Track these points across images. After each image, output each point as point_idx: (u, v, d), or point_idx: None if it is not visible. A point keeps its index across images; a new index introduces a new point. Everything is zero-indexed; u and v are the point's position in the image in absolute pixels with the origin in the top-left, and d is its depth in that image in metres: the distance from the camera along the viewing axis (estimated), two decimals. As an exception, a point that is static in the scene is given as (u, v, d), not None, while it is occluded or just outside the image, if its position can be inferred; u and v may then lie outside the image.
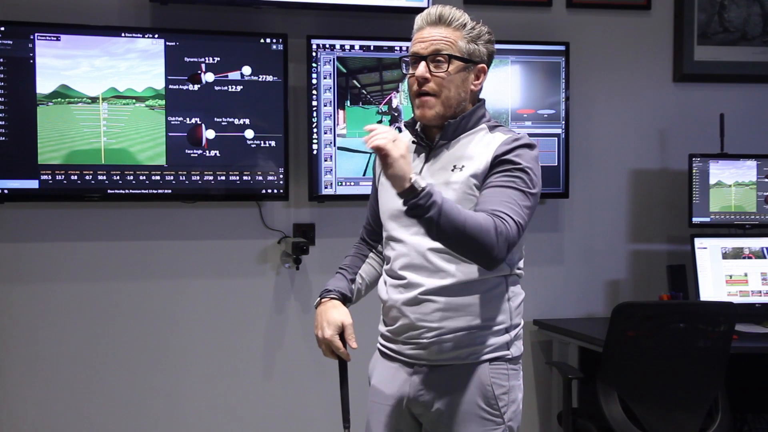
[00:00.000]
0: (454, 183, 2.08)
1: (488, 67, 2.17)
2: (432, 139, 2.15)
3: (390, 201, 2.15)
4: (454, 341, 2.10)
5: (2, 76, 3.23)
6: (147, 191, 3.35)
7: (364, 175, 3.52)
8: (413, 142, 2.18)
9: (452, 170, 2.09)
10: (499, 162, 2.05)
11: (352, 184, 3.52)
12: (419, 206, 1.87)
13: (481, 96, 2.20)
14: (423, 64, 2.08)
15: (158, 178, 3.36)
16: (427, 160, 2.15)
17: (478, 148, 2.10)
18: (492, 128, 2.14)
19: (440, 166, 2.12)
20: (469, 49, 2.10)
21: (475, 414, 2.11)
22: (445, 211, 1.89)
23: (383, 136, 1.88)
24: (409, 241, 2.12)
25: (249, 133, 3.43)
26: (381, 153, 1.87)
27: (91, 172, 3.30)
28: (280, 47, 3.44)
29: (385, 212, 2.21)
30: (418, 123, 2.17)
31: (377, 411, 2.23)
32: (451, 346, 2.10)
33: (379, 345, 2.26)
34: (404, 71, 2.17)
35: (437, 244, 2.02)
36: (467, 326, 2.09)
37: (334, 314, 2.17)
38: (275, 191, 3.46)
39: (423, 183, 1.88)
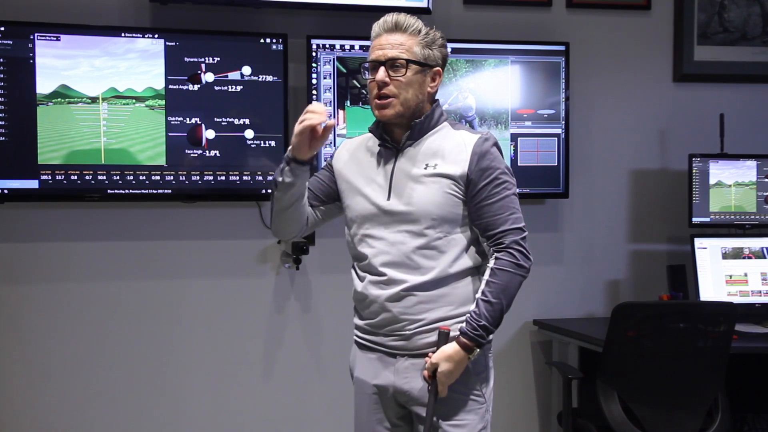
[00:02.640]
0: (427, 179, 2.21)
1: (443, 70, 2.30)
2: (397, 141, 2.26)
3: (364, 203, 2.26)
4: (434, 331, 2.20)
5: (2, 76, 3.23)
6: (147, 191, 3.35)
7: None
8: (379, 145, 2.29)
9: (425, 168, 2.22)
10: (481, 171, 2.20)
11: (352, 184, 3.52)
12: (484, 342, 2.18)
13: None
14: (382, 69, 2.21)
15: (158, 178, 3.36)
16: (396, 160, 2.25)
17: (445, 145, 2.23)
18: (453, 125, 2.29)
19: (411, 164, 2.24)
20: (425, 54, 2.22)
21: (460, 397, 2.22)
22: (495, 318, 2.16)
23: None
24: (390, 239, 2.21)
25: (249, 133, 3.43)
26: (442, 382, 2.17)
27: (91, 172, 3.30)
28: (280, 47, 3.44)
29: (360, 213, 2.27)
30: (380, 127, 2.28)
31: (364, 401, 2.30)
32: (432, 335, 2.20)
33: (356, 338, 2.34)
34: (364, 77, 2.28)
35: (419, 243, 2.19)
36: (446, 316, 2.21)
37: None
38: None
39: (470, 344, 2.15)
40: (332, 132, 2.23)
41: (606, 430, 3.03)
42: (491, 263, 2.20)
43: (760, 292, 3.73)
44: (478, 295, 2.18)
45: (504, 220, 2.19)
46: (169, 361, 3.53)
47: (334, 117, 3.50)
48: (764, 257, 3.77)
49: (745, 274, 3.73)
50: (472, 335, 2.15)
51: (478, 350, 2.17)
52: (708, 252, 3.74)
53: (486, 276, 2.19)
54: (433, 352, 2.17)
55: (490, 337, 2.22)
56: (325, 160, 3.49)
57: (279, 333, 3.64)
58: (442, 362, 2.15)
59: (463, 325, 2.17)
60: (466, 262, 2.23)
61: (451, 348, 2.15)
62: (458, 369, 2.16)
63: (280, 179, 2.23)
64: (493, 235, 2.20)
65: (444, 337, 2.18)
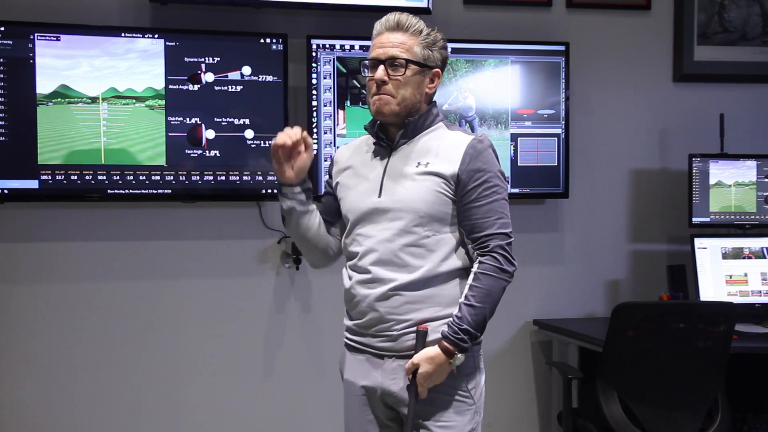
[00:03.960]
0: (418, 177, 2.21)
1: (442, 72, 2.30)
2: (392, 139, 2.27)
3: (357, 202, 2.27)
4: None
5: (2, 76, 3.23)
6: (147, 191, 3.35)
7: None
8: (374, 143, 2.30)
9: (417, 165, 2.22)
10: (472, 172, 2.19)
11: (352, 184, 3.52)
12: (466, 346, 2.15)
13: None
14: (381, 67, 2.22)
15: (158, 178, 3.36)
16: (389, 158, 2.27)
17: (440, 144, 2.23)
18: (449, 126, 2.29)
19: (404, 161, 2.24)
20: (425, 55, 2.23)
21: (447, 398, 2.21)
22: (478, 323, 2.14)
23: None
24: (379, 236, 2.21)
25: (249, 133, 3.43)
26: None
27: (91, 172, 3.30)
28: (280, 47, 3.44)
29: (352, 212, 2.28)
30: (376, 125, 2.28)
31: (353, 403, 2.30)
32: None
33: (345, 339, 2.34)
34: (364, 74, 2.28)
35: (407, 241, 2.19)
36: (434, 317, 2.19)
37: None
38: (275, 191, 3.45)
39: (452, 348, 2.13)
40: (315, 146, 2.22)
41: (606, 430, 3.03)
42: (475, 267, 2.19)
43: (760, 292, 3.72)
44: (462, 299, 2.16)
45: (491, 223, 2.18)
46: (169, 361, 3.53)
47: (334, 117, 3.50)
48: (764, 257, 3.77)
49: (745, 274, 3.73)
50: (453, 339, 2.13)
51: (461, 356, 2.15)
52: (708, 252, 3.74)
53: (469, 280, 2.18)
54: (414, 352, 2.17)
55: (478, 339, 2.21)
56: (326, 162, 3.49)
57: (279, 333, 3.64)
58: (423, 363, 2.14)
59: (445, 328, 2.16)
60: (455, 262, 2.22)
61: (434, 350, 2.15)
62: (439, 372, 2.15)
63: (281, 207, 2.28)
64: (478, 237, 2.19)
65: (422, 337, 2.16)
